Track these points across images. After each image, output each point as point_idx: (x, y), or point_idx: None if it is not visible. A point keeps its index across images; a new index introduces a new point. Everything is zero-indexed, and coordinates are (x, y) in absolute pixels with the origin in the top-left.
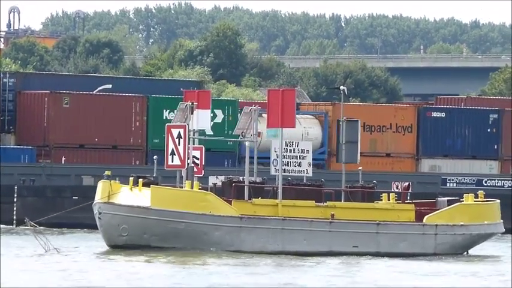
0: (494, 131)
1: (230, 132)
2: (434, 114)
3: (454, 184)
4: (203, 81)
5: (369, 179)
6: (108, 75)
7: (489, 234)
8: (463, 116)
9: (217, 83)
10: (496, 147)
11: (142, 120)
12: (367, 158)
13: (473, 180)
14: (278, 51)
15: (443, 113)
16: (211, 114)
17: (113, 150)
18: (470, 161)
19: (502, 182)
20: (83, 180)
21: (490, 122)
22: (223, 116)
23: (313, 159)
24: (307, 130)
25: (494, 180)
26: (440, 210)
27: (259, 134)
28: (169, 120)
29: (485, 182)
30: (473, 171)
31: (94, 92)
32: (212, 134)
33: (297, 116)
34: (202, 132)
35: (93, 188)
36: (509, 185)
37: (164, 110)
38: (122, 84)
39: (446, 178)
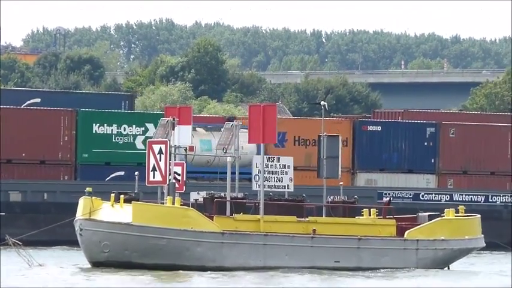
0: (431, 144)
1: None
2: (370, 127)
3: (391, 198)
4: (134, 94)
5: (302, 193)
6: (37, 89)
7: (470, 249)
8: (400, 130)
9: (198, 99)
10: (433, 161)
11: (71, 134)
12: (302, 172)
13: (410, 195)
14: (259, 67)
15: (380, 127)
16: (143, 128)
17: (41, 165)
18: (406, 175)
19: (440, 196)
20: (10, 196)
21: (427, 136)
22: (155, 129)
23: (247, 173)
24: (241, 144)
25: (432, 194)
26: (421, 225)
27: (192, 148)
28: (99, 135)
29: (422, 196)
30: (410, 185)
31: (22, 106)
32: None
33: None
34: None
35: (21, 204)
36: (447, 199)
37: (94, 124)
38: (51, 98)
39: (383, 192)
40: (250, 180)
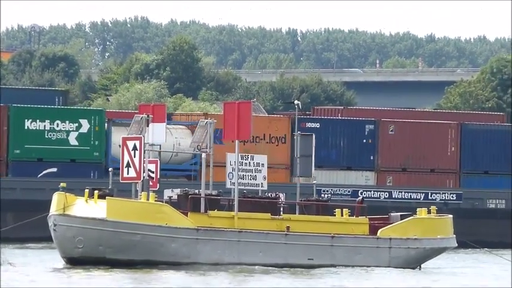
0: (370, 141)
1: (97, 142)
2: (309, 124)
3: (329, 195)
4: (68, 91)
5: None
6: None
7: (442, 249)
8: (338, 127)
9: (173, 97)
10: (372, 158)
11: (2, 130)
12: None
13: (349, 192)
14: (235, 65)
15: (318, 124)
16: (76, 124)
17: None
18: (345, 171)
19: (378, 193)
20: None
21: (366, 133)
22: (89, 126)
23: (184, 170)
24: (178, 141)
25: (370, 191)
26: (394, 224)
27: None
28: (32, 131)
29: (361, 193)
30: (349, 182)
31: None
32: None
33: (168, 126)
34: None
35: None
36: (386, 196)
37: (26, 120)
38: None
39: (321, 189)
40: (188, 177)
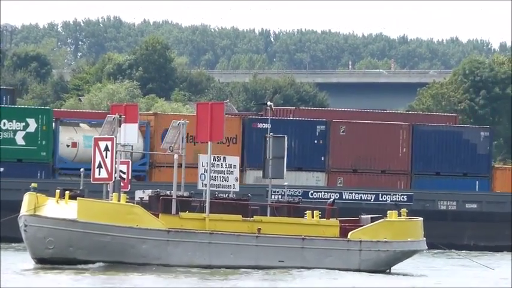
0: (321, 142)
1: (44, 142)
2: (260, 125)
3: (279, 196)
4: (14, 90)
5: (189, 190)
6: None
7: (412, 252)
8: (290, 127)
9: (146, 97)
10: (322, 158)
11: None
12: (192, 170)
13: (299, 192)
14: (208, 65)
15: (270, 124)
16: (24, 124)
17: None
18: (296, 172)
19: (329, 194)
20: None
21: (317, 134)
22: (36, 125)
23: (133, 170)
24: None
25: (321, 192)
26: (364, 227)
27: (75, 144)
28: None
29: (312, 194)
30: (299, 183)
31: None
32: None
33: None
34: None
35: None
36: (336, 197)
37: None
38: None
39: (272, 190)
40: (137, 178)
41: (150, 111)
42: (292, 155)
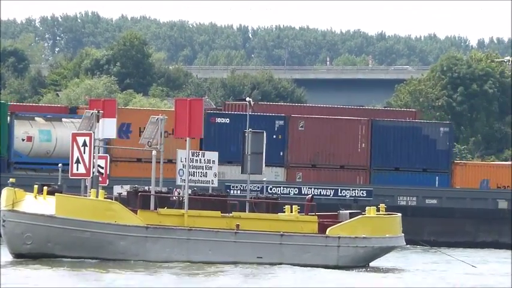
0: (280, 137)
1: None
2: (219, 120)
3: (238, 191)
4: None
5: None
6: None
7: (391, 248)
8: (248, 122)
9: (124, 92)
10: (281, 153)
11: None
12: (147, 164)
13: (258, 187)
14: (186, 61)
15: (228, 119)
16: None
17: None
18: (231, 167)
19: (288, 189)
20: None
21: (276, 129)
22: None
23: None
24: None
25: (280, 187)
26: (343, 223)
27: (30, 139)
28: None
29: (271, 189)
30: (258, 178)
31: None
32: None
33: (73, 120)
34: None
35: None
36: (295, 192)
37: None
38: None
39: (230, 185)
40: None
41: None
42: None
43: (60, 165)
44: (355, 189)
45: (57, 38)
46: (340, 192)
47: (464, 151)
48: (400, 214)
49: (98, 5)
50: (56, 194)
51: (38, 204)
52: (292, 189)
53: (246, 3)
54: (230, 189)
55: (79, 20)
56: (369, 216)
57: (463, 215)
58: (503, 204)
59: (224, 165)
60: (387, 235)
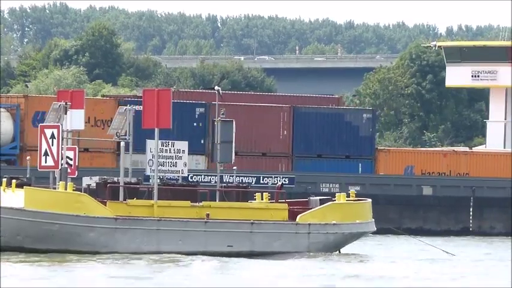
0: (200, 125)
1: None
2: (137, 107)
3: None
4: None
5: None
6: None
7: (361, 233)
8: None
9: (93, 82)
10: (202, 141)
11: None
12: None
13: (178, 176)
14: (155, 51)
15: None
16: None
17: None
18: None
19: (209, 177)
20: None
21: (197, 116)
22: None
23: (3, 154)
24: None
25: (201, 175)
26: (313, 209)
27: None
28: None
29: (191, 177)
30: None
31: None
32: None
33: None
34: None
35: None
36: (216, 180)
37: None
38: None
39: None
40: (8, 161)
41: (20, 94)
42: (170, 138)
43: (28, 157)
44: (277, 177)
45: (26, 29)
46: (262, 180)
47: (434, 139)
48: (369, 200)
49: None
50: (24, 186)
51: (7, 197)
52: (213, 177)
53: None
54: (149, 179)
55: (47, 11)
56: (339, 203)
57: (387, 201)
58: (427, 191)
59: (143, 153)
60: (357, 221)
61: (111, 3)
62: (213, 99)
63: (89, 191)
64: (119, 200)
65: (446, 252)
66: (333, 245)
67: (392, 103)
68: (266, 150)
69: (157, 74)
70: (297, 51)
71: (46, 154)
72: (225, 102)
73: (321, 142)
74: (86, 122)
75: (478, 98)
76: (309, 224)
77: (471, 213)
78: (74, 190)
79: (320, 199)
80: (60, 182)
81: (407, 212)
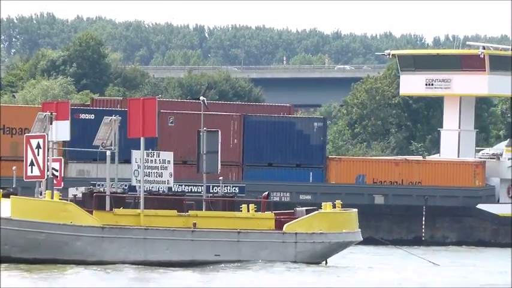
0: None
1: None
2: (83, 116)
3: (102, 188)
4: None
5: (11, 184)
6: None
7: (348, 243)
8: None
9: (80, 93)
10: (151, 150)
11: None
12: (8, 163)
13: (125, 186)
14: (142, 61)
15: (93, 115)
16: None
17: None
18: (120, 165)
19: (156, 187)
20: None
21: None
22: None
23: None
24: None
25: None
26: (299, 219)
27: None
28: None
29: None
30: (126, 176)
31: None
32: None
33: None
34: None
35: None
36: (165, 190)
37: None
38: None
39: (96, 183)
40: None
41: None
42: (120, 147)
43: (14, 168)
44: (227, 186)
45: (13, 39)
46: (212, 189)
47: (421, 149)
48: (355, 210)
49: (54, 6)
50: (11, 196)
51: None
52: (162, 186)
53: (202, 3)
54: (96, 186)
55: (34, 21)
56: (325, 212)
57: None
58: (379, 200)
59: (89, 162)
60: (344, 230)
61: (99, 13)
62: (162, 107)
63: (75, 201)
64: (105, 209)
65: (432, 262)
66: (319, 254)
67: (380, 113)
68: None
69: (145, 84)
70: (285, 62)
71: (32, 164)
72: (174, 110)
73: (272, 151)
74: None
75: None
76: (296, 233)
77: (423, 222)
78: (60, 199)
79: (306, 209)
80: (47, 191)
81: (359, 221)
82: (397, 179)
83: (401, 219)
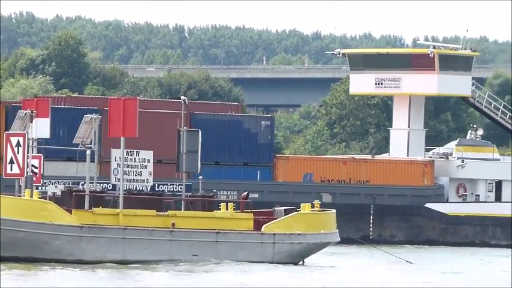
0: None
1: None
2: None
3: (45, 188)
4: None
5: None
6: None
7: (325, 243)
8: (60, 116)
9: (59, 92)
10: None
11: None
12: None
13: (69, 183)
14: (122, 60)
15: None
16: None
17: None
18: (65, 163)
19: (101, 185)
20: None
21: None
22: None
23: None
24: None
25: (93, 183)
26: (278, 219)
27: None
28: None
29: (82, 185)
30: (71, 174)
31: None
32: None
33: None
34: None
35: None
36: (109, 188)
37: None
38: None
39: (47, 181)
40: None
41: None
42: (63, 145)
43: None
44: (173, 184)
45: None
46: (158, 187)
47: None
48: (334, 210)
49: (33, 5)
50: None
51: None
52: (106, 184)
53: (182, 2)
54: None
55: (14, 20)
56: (304, 213)
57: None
58: (327, 198)
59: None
60: (322, 231)
61: (78, 12)
62: (106, 105)
63: (54, 199)
64: (84, 208)
65: (406, 261)
66: (297, 254)
67: (359, 113)
68: (162, 157)
69: (124, 83)
70: (264, 62)
71: (12, 162)
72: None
73: (219, 149)
74: None
75: (444, 108)
76: (274, 234)
77: (371, 221)
78: (39, 198)
79: (285, 209)
80: (26, 189)
81: None
82: (345, 178)
83: (349, 218)
